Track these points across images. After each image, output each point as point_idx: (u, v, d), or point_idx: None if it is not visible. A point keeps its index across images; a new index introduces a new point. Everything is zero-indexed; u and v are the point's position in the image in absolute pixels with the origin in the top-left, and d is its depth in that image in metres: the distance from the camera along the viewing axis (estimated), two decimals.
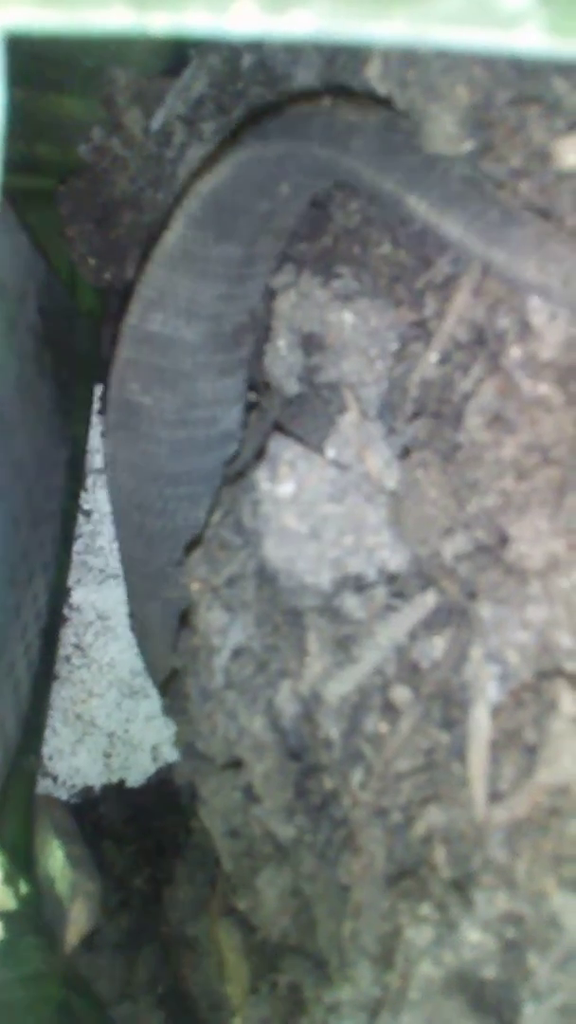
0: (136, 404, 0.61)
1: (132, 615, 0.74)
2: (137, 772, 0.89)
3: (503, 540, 0.46)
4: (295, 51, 0.58)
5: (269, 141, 0.51)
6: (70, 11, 0.22)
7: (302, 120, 0.50)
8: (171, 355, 0.60)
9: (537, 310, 0.44)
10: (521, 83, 0.44)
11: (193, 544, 0.61)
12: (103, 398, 0.71)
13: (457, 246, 0.44)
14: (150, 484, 0.64)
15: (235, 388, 0.64)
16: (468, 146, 0.44)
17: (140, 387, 0.60)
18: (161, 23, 0.22)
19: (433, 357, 0.51)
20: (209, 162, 0.55)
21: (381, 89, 0.46)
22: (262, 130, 0.52)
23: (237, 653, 0.56)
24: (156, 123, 0.70)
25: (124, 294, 0.63)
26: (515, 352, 0.46)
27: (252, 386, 0.64)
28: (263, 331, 0.61)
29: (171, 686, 0.66)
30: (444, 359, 0.51)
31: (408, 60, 0.45)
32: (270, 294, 0.59)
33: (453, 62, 0.44)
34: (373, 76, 0.47)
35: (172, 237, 0.56)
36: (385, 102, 0.47)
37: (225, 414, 0.64)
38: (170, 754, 0.88)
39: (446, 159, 0.44)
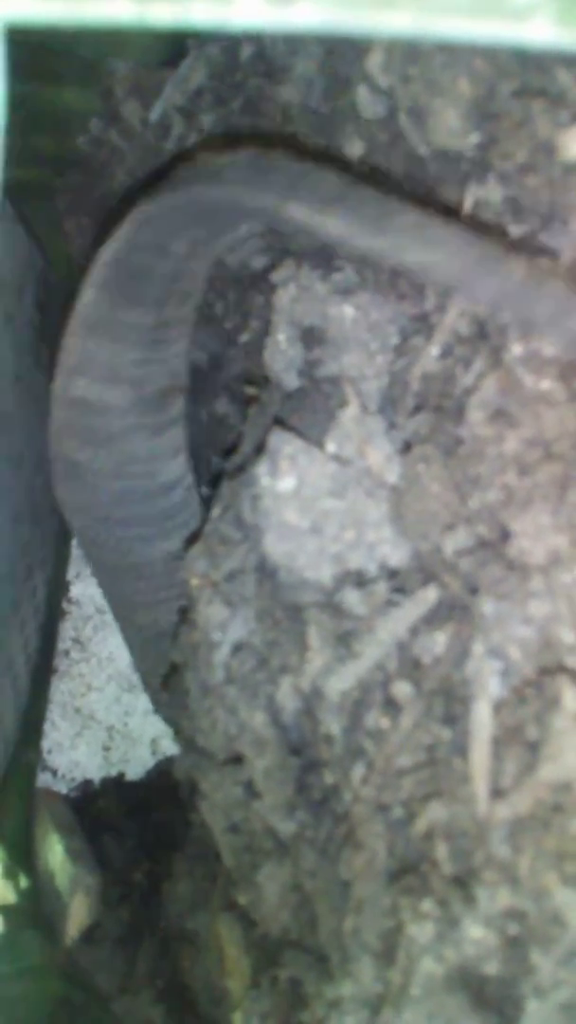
0: (74, 460, 0.62)
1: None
2: (136, 766, 0.89)
3: (505, 535, 0.46)
4: (295, 42, 0.58)
5: (157, 198, 0.52)
6: (72, 3, 0.22)
7: (182, 173, 0.53)
8: (99, 418, 0.60)
9: None
10: (524, 75, 0.43)
11: (193, 539, 0.61)
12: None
13: (340, 243, 0.45)
14: (100, 525, 0.65)
15: (171, 443, 0.65)
16: (473, 139, 0.44)
17: (76, 445, 0.61)
18: (164, 15, 0.22)
19: (434, 351, 0.51)
20: (112, 230, 0.56)
21: (383, 82, 0.46)
22: (152, 191, 0.53)
23: (237, 648, 0.56)
24: (154, 115, 0.70)
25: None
26: (517, 347, 0.46)
27: (252, 380, 0.64)
28: (264, 325, 0.60)
29: (170, 681, 0.66)
30: (445, 353, 0.51)
31: (410, 54, 0.44)
32: (270, 288, 0.59)
33: (455, 55, 0.43)
34: (374, 68, 0.47)
35: (84, 305, 0.56)
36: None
37: (163, 467, 0.65)
38: (169, 748, 0.88)
39: (317, 169, 0.45)
